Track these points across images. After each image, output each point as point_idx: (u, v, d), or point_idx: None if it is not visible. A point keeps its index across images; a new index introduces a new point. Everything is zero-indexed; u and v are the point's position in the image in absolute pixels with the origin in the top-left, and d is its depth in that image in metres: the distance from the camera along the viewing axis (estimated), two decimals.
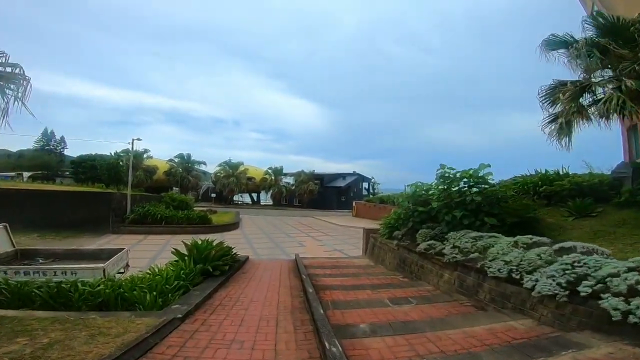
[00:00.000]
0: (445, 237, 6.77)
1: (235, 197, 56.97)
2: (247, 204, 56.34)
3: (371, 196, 51.40)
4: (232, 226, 18.32)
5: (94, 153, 34.52)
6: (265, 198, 57.35)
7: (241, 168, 49.08)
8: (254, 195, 58.25)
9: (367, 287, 5.95)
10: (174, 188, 46.49)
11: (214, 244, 7.24)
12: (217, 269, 6.38)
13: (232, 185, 46.13)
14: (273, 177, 50.65)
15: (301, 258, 9.78)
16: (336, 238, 16.93)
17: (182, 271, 5.60)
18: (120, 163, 27.92)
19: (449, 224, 6.97)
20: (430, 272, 6.31)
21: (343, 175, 59.70)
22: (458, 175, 7.28)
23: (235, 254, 8.20)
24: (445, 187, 7.44)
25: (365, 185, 66.54)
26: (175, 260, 6.49)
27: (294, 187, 50.91)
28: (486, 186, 7.04)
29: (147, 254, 11.46)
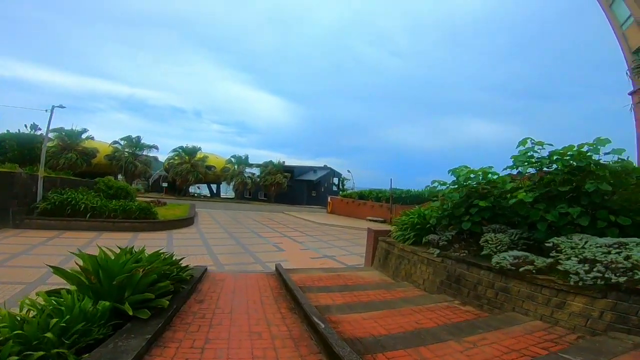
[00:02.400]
0: (543, 245, 4.45)
1: (192, 189, 52.17)
2: (205, 196, 51.78)
3: (341, 192, 49.44)
4: (184, 222, 14.85)
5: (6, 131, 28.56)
6: (227, 190, 53.15)
7: (199, 155, 44.60)
8: (214, 186, 53.75)
9: (441, 334, 3.29)
10: (119, 176, 41.09)
11: (145, 254, 4.17)
12: (145, 306, 3.36)
13: (186, 173, 41.51)
14: (236, 167, 46.68)
15: (286, 271, 6.93)
16: (319, 239, 14.17)
17: (58, 320, 2.57)
18: (42, 140, 22.89)
19: (545, 226, 4.54)
20: (529, 299, 4.04)
21: (314, 169, 57.17)
22: (558, 152, 4.79)
23: (185, 267, 5.17)
24: (536, 170, 4.98)
25: (335, 180, 64.63)
26: (56, 293, 3.36)
27: (260, 179, 47.35)
28: (606, 171, 4.62)
29: (52, 259, 7.80)
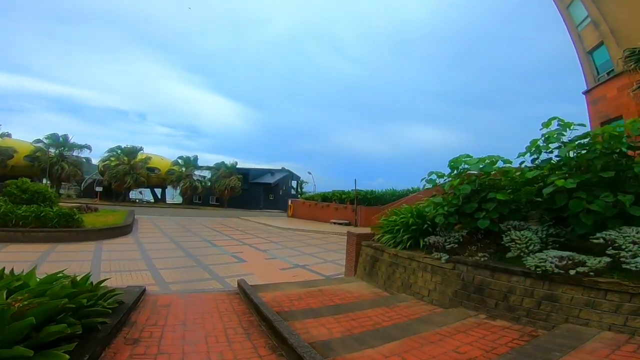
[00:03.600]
0: (578, 242, 3.75)
1: (133, 194, 47.62)
2: (148, 202, 47.50)
3: (300, 196, 48.28)
4: (119, 231, 12.61)
5: None
6: (174, 195, 49.29)
7: (140, 156, 40.75)
8: (159, 191, 49.60)
9: None
10: (44, 180, 35.95)
11: (36, 278, 2.62)
12: None
13: (123, 175, 37.52)
14: (184, 169, 43.41)
15: (254, 288, 5.58)
16: (285, 246, 12.79)
17: None
18: None
19: (592, 219, 3.76)
20: (588, 306, 3.40)
21: (271, 171, 55.34)
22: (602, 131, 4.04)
23: (110, 292, 3.62)
24: (575, 153, 4.20)
25: (294, 184, 63.32)
26: None
27: (211, 183, 44.51)
28: None
29: None
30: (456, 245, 5.12)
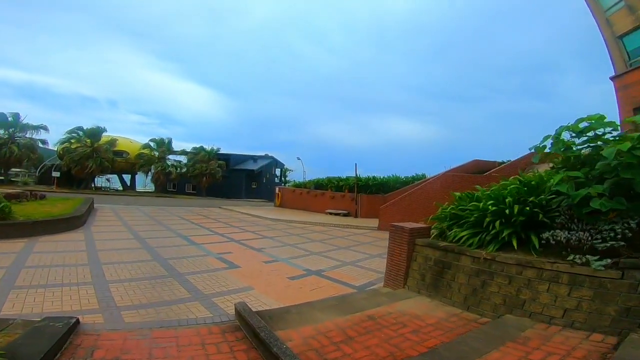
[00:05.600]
0: None
1: (100, 181, 43.81)
2: (116, 189, 43.85)
3: (283, 185, 45.82)
4: (64, 224, 9.84)
5: None
6: (145, 182, 45.74)
7: (104, 138, 36.99)
8: (128, 178, 45.91)
9: None
10: None
11: None
12: None
13: (84, 159, 33.80)
14: (156, 153, 39.96)
15: (266, 320, 3.26)
16: (284, 243, 10.43)
17: None
18: None
19: None
20: None
21: (254, 157, 52.38)
22: None
23: None
24: None
25: (277, 171, 60.66)
26: None
27: (188, 169, 41.30)
28: None
29: None
30: (619, 244, 2.99)
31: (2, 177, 33.80)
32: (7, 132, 33.51)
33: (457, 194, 5.87)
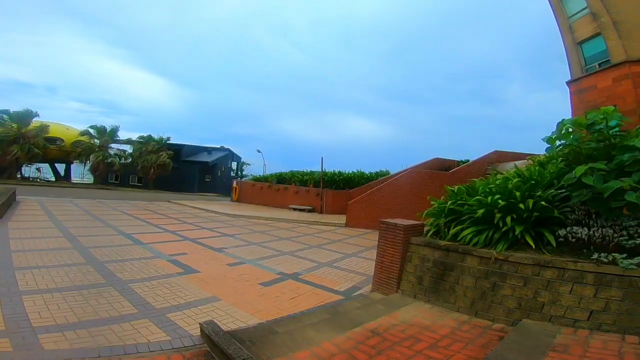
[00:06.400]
0: None
1: (27, 171, 38.84)
2: (47, 180, 39.22)
3: (240, 179, 44.13)
4: None
5: None
6: (83, 173, 41.43)
7: (35, 123, 32.80)
8: (62, 167, 41.26)
9: None
10: None
11: None
12: None
13: (6, 144, 29.69)
14: (97, 141, 36.29)
15: (247, 344, 2.32)
16: (248, 241, 9.38)
17: None
18: None
19: None
20: None
21: (208, 149, 49.72)
22: None
23: None
24: None
25: (234, 165, 58.37)
26: None
27: (132, 159, 38.04)
28: None
29: None
30: None
31: None
32: None
33: (453, 187, 5.30)
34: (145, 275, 5.38)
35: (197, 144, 49.08)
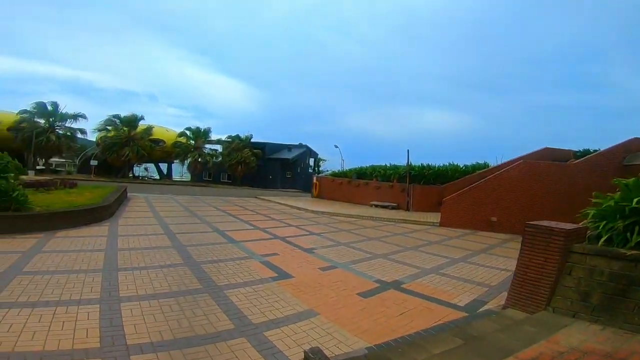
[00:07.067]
0: None
1: (138, 170, 44.59)
2: (153, 179, 44.46)
3: (318, 174, 44.29)
4: (89, 216, 8.77)
5: None
6: (181, 171, 46.03)
7: (141, 126, 37.14)
8: (164, 167, 46.47)
9: None
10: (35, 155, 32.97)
11: None
12: None
13: (119, 146, 33.98)
14: (192, 142, 39.80)
15: None
16: (336, 241, 8.80)
17: None
18: None
19: None
20: None
21: (289, 147, 51.10)
22: None
23: None
24: None
25: (311, 161, 59.23)
26: None
27: (223, 158, 40.88)
28: None
29: None
30: None
31: (43, 167, 34.84)
32: (47, 121, 34.34)
33: (629, 180, 3.88)
34: (240, 280, 5.07)
35: (278, 142, 50.94)
